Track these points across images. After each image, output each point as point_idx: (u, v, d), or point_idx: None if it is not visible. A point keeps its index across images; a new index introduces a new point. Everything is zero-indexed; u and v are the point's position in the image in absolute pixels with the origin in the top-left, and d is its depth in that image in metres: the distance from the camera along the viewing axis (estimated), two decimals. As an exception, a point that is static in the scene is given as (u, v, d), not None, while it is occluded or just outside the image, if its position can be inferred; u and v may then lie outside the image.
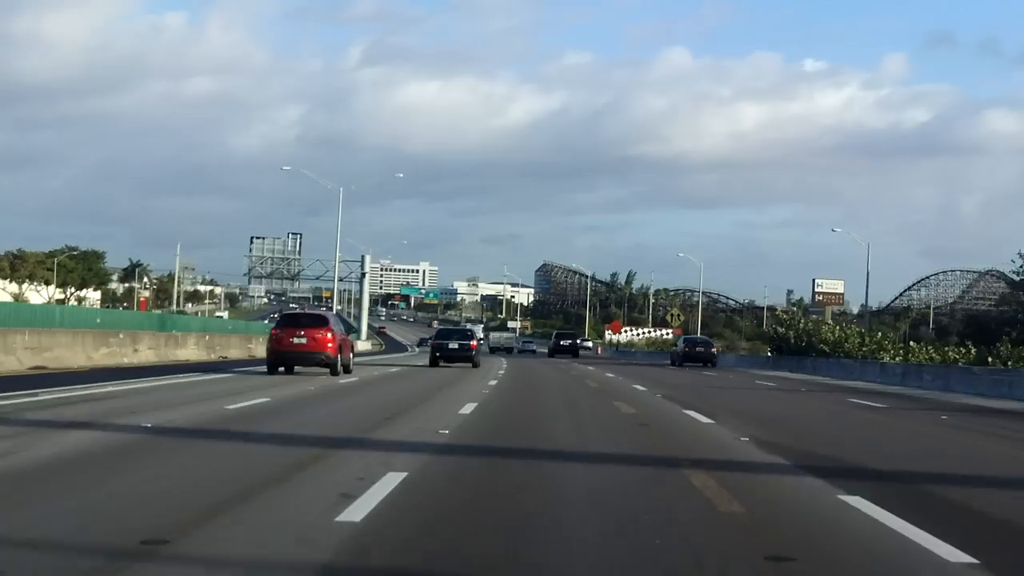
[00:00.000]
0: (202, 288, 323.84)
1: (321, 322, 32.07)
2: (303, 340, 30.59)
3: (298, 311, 41.24)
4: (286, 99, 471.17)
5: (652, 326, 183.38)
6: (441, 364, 43.26)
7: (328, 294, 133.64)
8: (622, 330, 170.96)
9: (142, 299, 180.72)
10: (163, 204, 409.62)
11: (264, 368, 32.03)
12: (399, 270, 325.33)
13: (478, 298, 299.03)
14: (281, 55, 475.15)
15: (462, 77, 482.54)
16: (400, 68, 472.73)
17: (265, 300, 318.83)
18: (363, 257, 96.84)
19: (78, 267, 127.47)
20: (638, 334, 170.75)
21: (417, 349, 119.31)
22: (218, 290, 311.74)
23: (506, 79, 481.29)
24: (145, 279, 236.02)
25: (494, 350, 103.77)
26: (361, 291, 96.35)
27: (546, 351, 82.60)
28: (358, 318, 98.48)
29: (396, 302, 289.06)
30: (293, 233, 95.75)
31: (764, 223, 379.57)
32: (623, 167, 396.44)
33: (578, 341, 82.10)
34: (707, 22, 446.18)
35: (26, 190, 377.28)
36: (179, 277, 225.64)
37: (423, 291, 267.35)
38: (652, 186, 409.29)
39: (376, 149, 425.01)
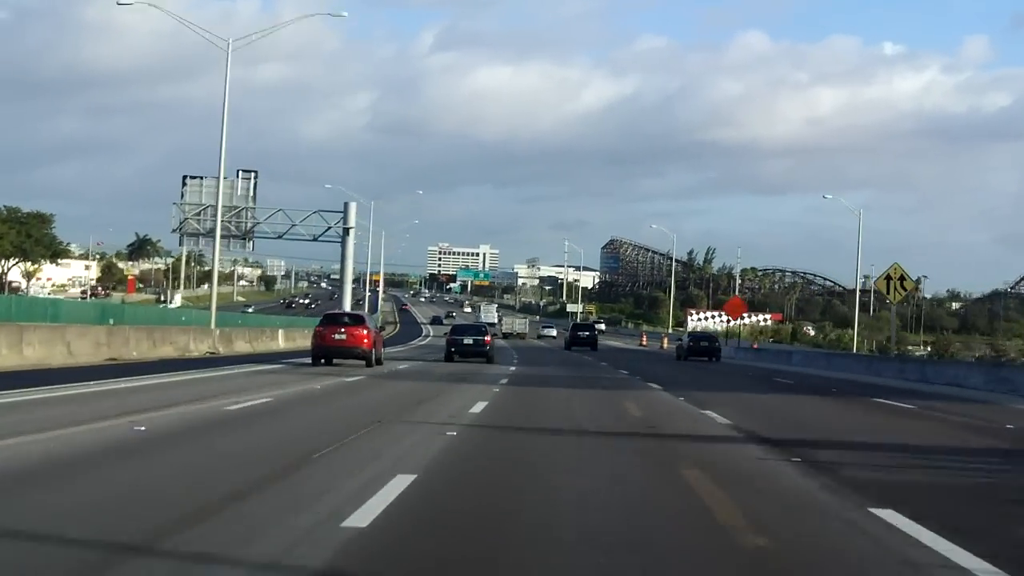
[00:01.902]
0: (246, 270, 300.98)
1: (359, 321, 37.43)
2: (343, 336, 35.30)
3: (338, 311, 43.29)
4: (357, 85, 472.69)
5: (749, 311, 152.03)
6: (456, 359, 44.07)
7: (376, 277, 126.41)
8: (703, 315, 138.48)
9: (130, 278, 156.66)
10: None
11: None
12: (459, 253, 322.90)
13: (537, 282, 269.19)
14: (353, 41, 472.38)
15: (535, 62, 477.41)
16: (473, 53, 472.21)
17: (305, 283, 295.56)
18: (346, 206, 66.80)
19: (11, 232, 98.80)
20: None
21: (431, 329, 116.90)
22: (246, 270, 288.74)
23: (579, 64, 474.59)
24: (156, 257, 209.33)
25: (507, 336, 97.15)
26: (344, 255, 66.25)
27: (584, 335, 76.03)
28: (339, 299, 68.46)
29: (451, 285, 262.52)
30: (244, 171, 62.79)
31: (836, 209, 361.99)
32: (694, 153, 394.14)
33: (596, 333, 78.87)
34: (786, 4, 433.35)
35: (96, 177, 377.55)
36: (189, 256, 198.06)
37: (478, 272, 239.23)
38: (723, 172, 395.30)
39: (446, 136, 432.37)
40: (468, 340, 45.21)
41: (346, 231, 66.17)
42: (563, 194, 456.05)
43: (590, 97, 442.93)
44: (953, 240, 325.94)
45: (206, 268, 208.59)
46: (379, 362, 36.80)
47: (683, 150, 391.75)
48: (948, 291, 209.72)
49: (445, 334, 50.50)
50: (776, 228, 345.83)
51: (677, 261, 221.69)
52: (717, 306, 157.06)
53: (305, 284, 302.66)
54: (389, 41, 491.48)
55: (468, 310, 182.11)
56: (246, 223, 66.76)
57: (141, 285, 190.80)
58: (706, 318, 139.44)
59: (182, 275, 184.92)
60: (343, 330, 35.48)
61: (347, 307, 66.50)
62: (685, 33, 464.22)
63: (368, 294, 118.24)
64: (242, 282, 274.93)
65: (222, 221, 62.34)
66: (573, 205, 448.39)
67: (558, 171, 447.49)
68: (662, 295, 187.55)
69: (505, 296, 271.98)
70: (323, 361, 35.48)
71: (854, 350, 66.67)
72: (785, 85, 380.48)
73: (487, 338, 45.30)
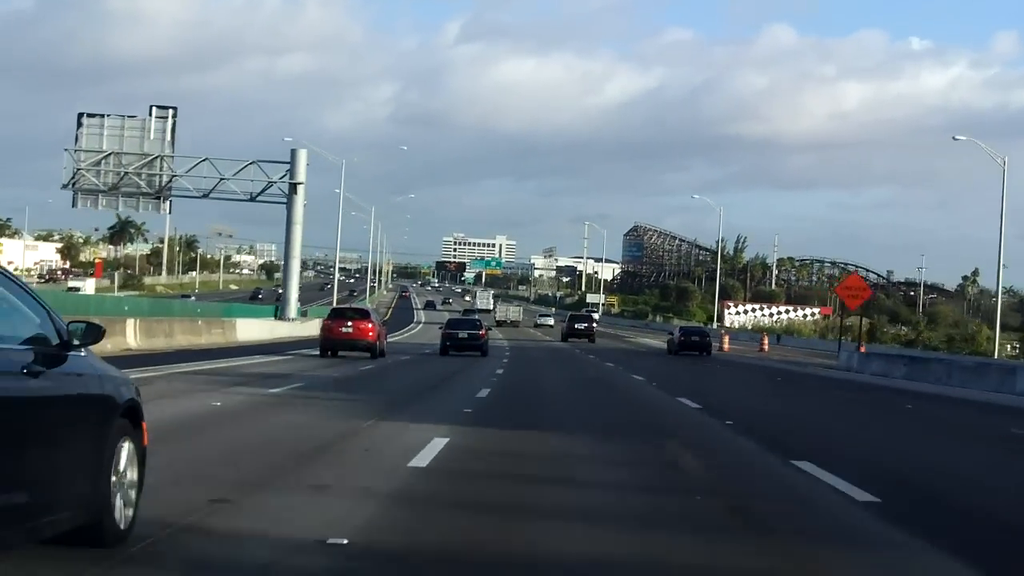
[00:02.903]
0: (246, 258, 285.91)
1: (364, 315, 39.22)
2: (350, 329, 36.95)
3: (344, 307, 45.53)
4: (380, 77, 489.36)
5: (788, 303, 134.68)
6: (451, 353, 43.79)
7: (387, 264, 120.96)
8: (741, 308, 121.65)
9: (97, 261, 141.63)
10: (256, 182, 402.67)
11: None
12: (474, 244, 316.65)
13: (554, 273, 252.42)
14: (377, 32, 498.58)
15: (560, 54, 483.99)
16: (497, 45, 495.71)
17: (313, 273, 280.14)
18: (293, 155, 50.22)
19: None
20: (774, 313, 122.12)
21: (424, 315, 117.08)
22: (248, 258, 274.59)
23: (604, 56, 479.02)
24: (142, 241, 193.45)
25: (500, 324, 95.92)
26: (290, 219, 49.69)
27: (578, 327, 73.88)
28: (284, 281, 51.87)
29: (465, 275, 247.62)
30: (160, 107, 45.32)
31: (859, 205, 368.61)
32: (718, 147, 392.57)
33: (593, 325, 75.49)
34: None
35: None
36: (178, 240, 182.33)
37: (489, 260, 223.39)
38: (746, 166, 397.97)
39: (468, 128, 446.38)
40: (463, 334, 45.46)
41: (293, 188, 49.75)
42: (584, 187, 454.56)
43: (613, 90, 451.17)
44: (976, 236, 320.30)
45: (201, 254, 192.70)
46: (383, 354, 38.27)
47: (707, 144, 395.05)
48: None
49: (440, 327, 50.16)
50: (798, 223, 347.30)
51: (706, 250, 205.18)
52: (756, 298, 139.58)
53: (312, 274, 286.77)
54: (413, 32, 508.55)
55: (468, 298, 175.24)
56: (160, 177, 50.21)
57: (122, 270, 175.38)
58: (745, 311, 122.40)
59: (164, 259, 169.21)
60: (350, 324, 37.11)
61: (293, 298, 50.27)
62: (712, 26, 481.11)
63: (340, 279, 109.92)
64: (245, 271, 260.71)
65: (128, 173, 46.20)
66: (594, 199, 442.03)
67: (579, 165, 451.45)
68: (691, 286, 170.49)
69: (520, 287, 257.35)
70: (330, 353, 36.80)
71: (995, 355, 50.10)
72: (811, 79, 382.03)
73: (482, 332, 45.55)
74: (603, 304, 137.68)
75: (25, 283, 6.08)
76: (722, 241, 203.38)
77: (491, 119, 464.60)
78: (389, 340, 45.55)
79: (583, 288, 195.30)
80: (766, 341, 69.57)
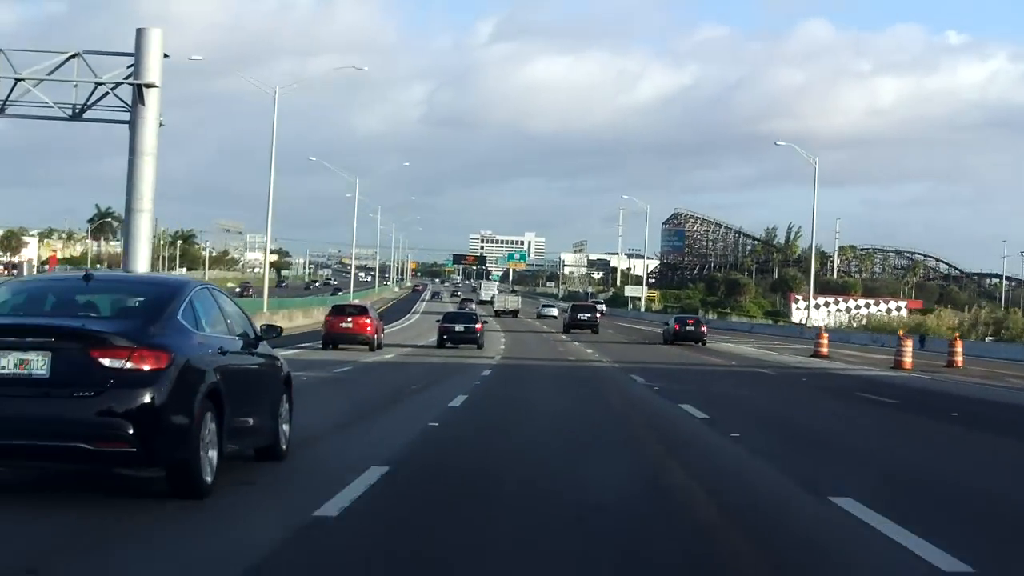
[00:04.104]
0: (259, 256, 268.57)
1: (362, 311, 42.26)
2: (349, 324, 40.15)
3: (343, 304, 49.39)
4: (412, 78, 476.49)
5: (863, 296, 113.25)
6: (448, 345, 45.59)
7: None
8: (817, 300, 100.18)
9: (52, 255, 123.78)
10: (288, 183, 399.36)
11: None
12: (502, 242, 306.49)
13: (584, 270, 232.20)
14: (410, 32, 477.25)
15: (594, 52, 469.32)
16: (531, 44, 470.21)
17: (328, 273, 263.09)
18: (140, 38, 29.76)
19: None
20: (851, 307, 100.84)
21: (423, 307, 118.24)
22: (259, 256, 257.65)
23: (638, 54, 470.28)
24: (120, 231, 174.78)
25: (499, 314, 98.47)
26: (134, 145, 29.26)
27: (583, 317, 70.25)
28: (125, 248, 31.07)
29: (492, 272, 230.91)
30: None
31: (892, 202, 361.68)
32: (751, 144, 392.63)
33: (597, 316, 71.96)
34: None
35: (161, 171, 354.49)
36: (162, 234, 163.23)
37: (513, 253, 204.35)
38: (780, 163, 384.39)
39: (500, 127, 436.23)
40: (459, 328, 46.33)
41: (139, 93, 29.38)
42: (616, 186, 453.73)
43: (647, 88, 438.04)
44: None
45: (206, 252, 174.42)
46: (380, 347, 41.18)
47: (741, 141, 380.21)
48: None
49: (437, 320, 50.33)
50: (832, 221, 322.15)
51: (755, 239, 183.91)
52: (825, 290, 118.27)
53: (329, 272, 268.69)
54: (445, 32, 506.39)
55: (474, 290, 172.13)
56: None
57: (101, 266, 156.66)
58: (816, 305, 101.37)
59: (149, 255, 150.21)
60: (349, 319, 40.40)
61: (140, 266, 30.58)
62: (748, 22, 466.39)
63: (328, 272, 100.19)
64: (257, 269, 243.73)
65: None
66: (625, 199, 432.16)
67: (611, 163, 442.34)
68: (743, 278, 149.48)
69: (549, 284, 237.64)
70: (331, 346, 39.19)
71: None
72: (846, 75, 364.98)
73: (478, 326, 46.55)
74: (644, 299, 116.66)
75: (236, 300, 11.05)
76: (772, 230, 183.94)
77: (523, 119, 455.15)
78: None
79: (619, 282, 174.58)
80: (959, 352, 40.86)
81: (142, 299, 9.14)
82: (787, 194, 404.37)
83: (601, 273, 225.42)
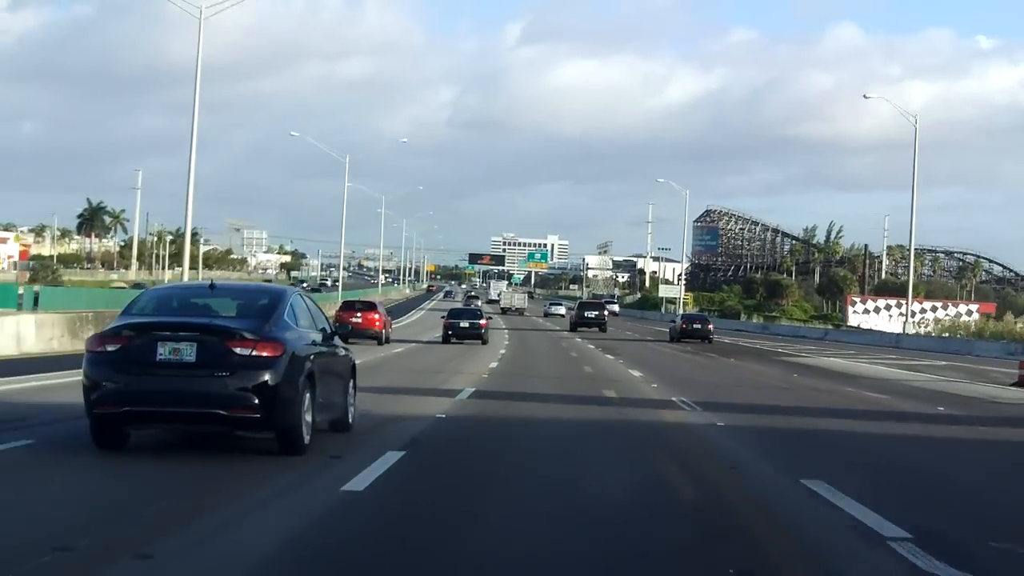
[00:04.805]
0: (271, 257, 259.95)
1: (371, 306, 43.75)
2: (359, 319, 41.33)
3: (353, 300, 51.34)
4: (439, 80, 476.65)
5: (924, 298, 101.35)
6: (453, 341, 45.55)
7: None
8: (871, 305, 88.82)
9: (22, 250, 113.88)
10: (309, 187, 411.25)
11: None
12: (525, 244, 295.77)
13: (609, 273, 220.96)
14: (437, 35, 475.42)
15: (621, 55, 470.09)
16: (558, 46, 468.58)
17: (347, 273, 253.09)
18: None
19: None
20: (915, 311, 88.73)
21: (430, 304, 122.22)
22: (271, 257, 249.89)
23: (666, 57, 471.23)
24: (120, 231, 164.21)
25: (505, 311, 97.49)
26: None
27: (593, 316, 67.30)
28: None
29: (515, 275, 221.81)
30: None
31: (920, 206, 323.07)
32: (779, 148, 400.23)
33: (605, 313, 69.23)
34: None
35: (176, 173, 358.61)
36: (152, 232, 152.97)
37: (533, 253, 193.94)
38: (808, 168, 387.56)
39: (526, 130, 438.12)
40: (464, 323, 46.95)
41: None
42: (642, 191, 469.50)
43: (675, 92, 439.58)
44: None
45: (210, 250, 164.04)
46: (388, 341, 42.35)
47: (769, 145, 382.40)
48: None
49: (442, 316, 50.68)
50: (860, 223, 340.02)
51: (793, 238, 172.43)
52: (882, 292, 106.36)
53: (347, 274, 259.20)
54: (473, 35, 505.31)
55: (485, 289, 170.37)
56: None
57: (91, 264, 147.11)
58: (876, 309, 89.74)
59: (134, 252, 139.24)
60: (359, 314, 41.75)
61: None
62: (777, 25, 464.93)
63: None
64: (269, 271, 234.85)
65: None
66: (652, 202, 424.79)
67: (638, 167, 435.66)
68: (784, 279, 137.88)
69: (572, 287, 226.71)
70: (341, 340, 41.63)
71: None
72: (876, 79, 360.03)
73: (483, 322, 46.82)
74: (681, 300, 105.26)
75: (315, 300, 13.14)
76: (811, 229, 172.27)
77: (550, 122, 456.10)
78: None
79: (646, 284, 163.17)
80: None
81: (257, 303, 11.94)
82: (816, 199, 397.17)
83: (627, 275, 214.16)
